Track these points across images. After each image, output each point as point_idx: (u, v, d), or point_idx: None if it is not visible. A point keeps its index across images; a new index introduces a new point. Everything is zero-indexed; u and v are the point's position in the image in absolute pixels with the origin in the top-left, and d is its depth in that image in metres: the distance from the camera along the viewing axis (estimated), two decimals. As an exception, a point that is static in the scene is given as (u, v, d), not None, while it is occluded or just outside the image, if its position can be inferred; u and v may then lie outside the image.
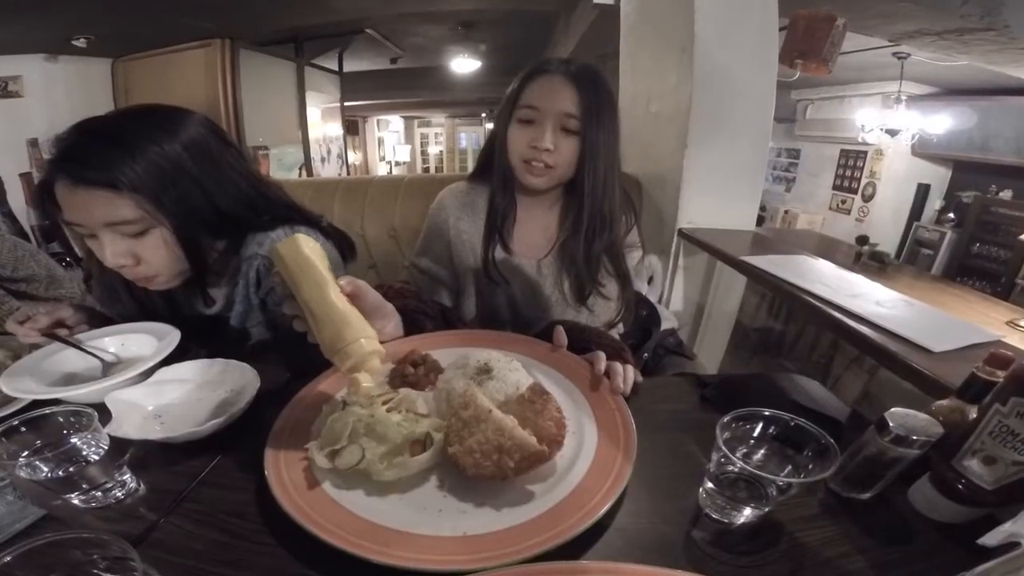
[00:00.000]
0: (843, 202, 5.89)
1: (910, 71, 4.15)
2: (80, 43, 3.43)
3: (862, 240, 4.85)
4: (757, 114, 1.45)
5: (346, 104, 5.76)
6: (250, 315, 0.85)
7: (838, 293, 0.85)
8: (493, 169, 1.00)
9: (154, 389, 0.69)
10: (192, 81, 3.76)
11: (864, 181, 5.58)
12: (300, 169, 4.79)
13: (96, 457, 0.53)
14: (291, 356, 0.83)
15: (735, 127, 1.43)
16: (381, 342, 0.72)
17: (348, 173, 6.11)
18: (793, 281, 0.93)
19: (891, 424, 0.53)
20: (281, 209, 0.85)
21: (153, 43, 3.72)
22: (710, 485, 0.53)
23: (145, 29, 3.45)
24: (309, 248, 0.56)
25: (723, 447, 0.49)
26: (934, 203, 5.24)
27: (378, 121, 10.37)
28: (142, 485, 0.56)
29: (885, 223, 5.41)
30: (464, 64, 5.16)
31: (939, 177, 5.20)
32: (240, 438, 0.62)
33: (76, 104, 3.63)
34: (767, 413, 0.53)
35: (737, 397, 0.72)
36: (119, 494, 0.54)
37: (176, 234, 0.73)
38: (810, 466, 0.51)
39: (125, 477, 0.55)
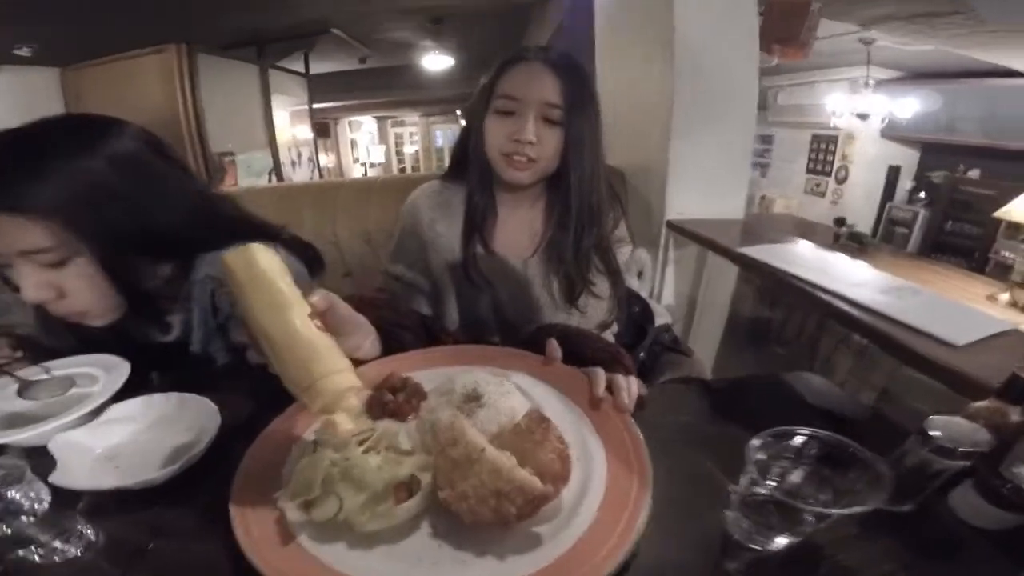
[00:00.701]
0: (817, 185, 5.98)
1: (876, 56, 4.21)
2: (24, 52, 3.23)
3: (840, 222, 4.92)
4: (741, 100, 1.41)
5: (315, 106, 5.63)
6: (212, 341, 0.76)
7: (842, 282, 0.81)
8: (469, 165, 0.93)
9: (104, 429, 0.61)
10: (148, 88, 3.57)
11: (837, 164, 5.67)
12: (270, 174, 4.65)
13: (40, 510, 0.46)
14: (261, 382, 0.75)
15: (720, 114, 1.39)
16: (358, 362, 0.65)
17: (320, 176, 5.95)
18: (797, 273, 0.88)
19: (934, 434, 0.48)
20: (234, 225, 0.77)
21: (103, 50, 3.52)
22: (737, 510, 0.47)
23: (93, 36, 3.26)
24: (266, 260, 0.47)
25: (754, 472, 0.44)
26: (905, 184, 5.34)
27: (350, 123, 10.16)
28: (101, 536, 0.49)
29: (859, 204, 5.50)
30: (436, 61, 5.05)
31: (908, 158, 5.30)
32: (204, 479, 0.55)
33: (23, 117, 3.37)
34: (804, 431, 0.47)
35: (748, 403, 0.68)
36: (76, 550, 0.47)
37: (101, 263, 0.64)
38: (855, 488, 0.46)
39: (80, 528, 0.48)
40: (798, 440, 0.47)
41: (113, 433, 0.61)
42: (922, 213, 5.03)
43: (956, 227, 4.79)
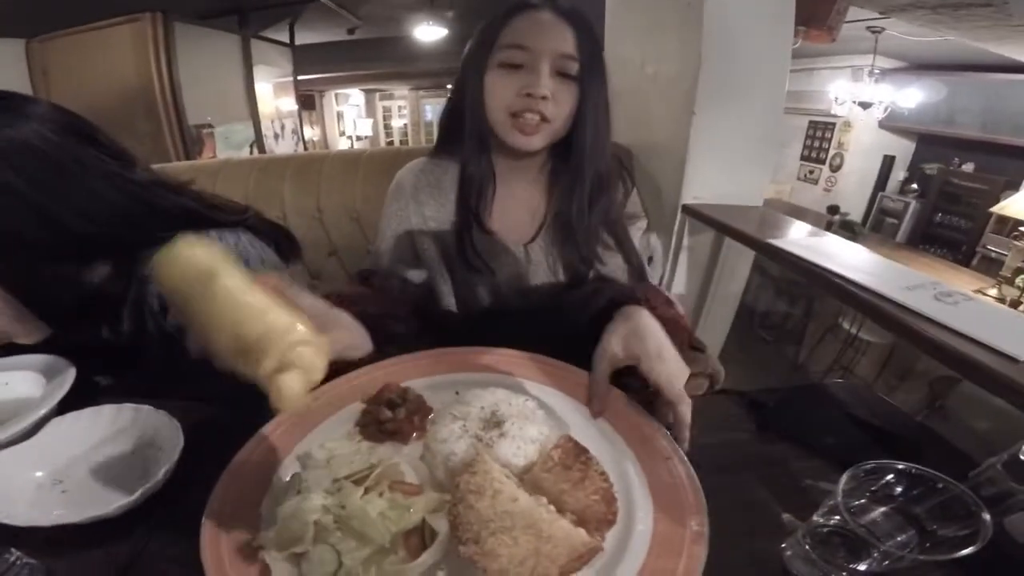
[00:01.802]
0: (811, 172, 5.97)
1: (882, 45, 4.14)
2: None
3: (833, 210, 4.92)
4: (771, 79, 1.30)
5: (300, 78, 5.40)
6: (171, 343, 0.66)
7: (892, 286, 0.74)
8: (464, 132, 0.81)
9: (46, 447, 0.52)
10: (120, 60, 3.33)
11: (832, 152, 5.65)
12: (251, 147, 4.45)
13: None
14: (229, 383, 0.65)
15: (748, 93, 1.28)
16: (349, 365, 0.55)
17: (305, 149, 5.74)
18: (843, 273, 0.80)
19: None
20: (179, 216, 0.65)
21: (72, 20, 3.25)
22: (799, 543, 0.42)
23: (60, 4, 3.00)
24: (202, 254, 0.37)
25: (841, 508, 0.37)
26: (898, 174, 5.35)
27: (336, 95, 9.82)
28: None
29: (851, 193, 5.50)
30: (428, 32, 4.83)
31: (903, 149, 5.29)
32: (170, 504, 0.47)
33: (-14, 93, 3.15)
34: (901, 466, 0.40)
35: (794, 418, 0.61)
36: None
37: None
38: (931, 528, 0.40)
39: (23, 568, 0.40)
40: (891, 475, 0.40)
41: (58, 452, 0.52)
42: (913, 204, 5.06)
43: (945, 219, 4.83)
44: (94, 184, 0.58)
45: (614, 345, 0.55)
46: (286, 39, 5.02)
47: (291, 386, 0.35)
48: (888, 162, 5.37)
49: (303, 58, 5.33)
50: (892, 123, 4.99)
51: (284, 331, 0.36)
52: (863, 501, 0.40)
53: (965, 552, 0.36)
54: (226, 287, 0.36)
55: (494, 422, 0.44)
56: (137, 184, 0.62)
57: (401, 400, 0.50)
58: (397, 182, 0.89)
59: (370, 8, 4.53)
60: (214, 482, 0.46)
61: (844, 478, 0.38)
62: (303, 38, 5.14)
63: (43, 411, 0.53)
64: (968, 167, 4.67)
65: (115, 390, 0.68)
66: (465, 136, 0.81)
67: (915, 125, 4.93)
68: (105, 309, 0.63)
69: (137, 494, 0.44)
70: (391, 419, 0.48)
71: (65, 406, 0.55)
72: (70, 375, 0.57)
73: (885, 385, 2.25)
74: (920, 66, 4.74)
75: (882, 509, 0.40)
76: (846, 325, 3.05)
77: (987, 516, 0.36)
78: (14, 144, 0.52)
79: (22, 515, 0.44)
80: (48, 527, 0.43)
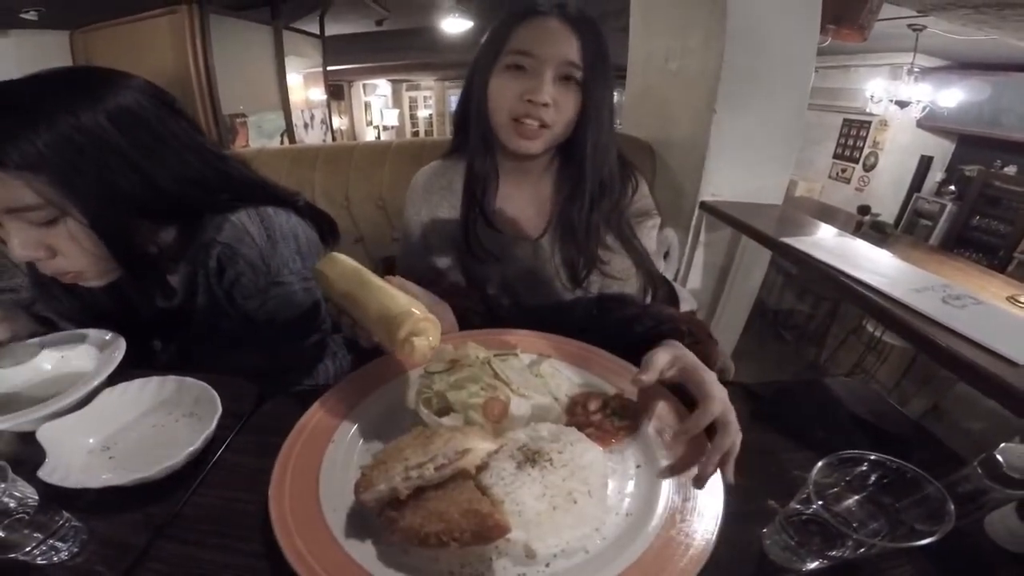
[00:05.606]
0: (843, 171, 5.81)
1: (923, 43, 4.00)
2: (30, 15, 3.07)
3: (864, 210, 4.76)
4: (795, 78, 1.29)
5: (329, 69, 5.48)
6: (217, 308, 0.72)
7: (901, 287, 0.75)
8: (469, 130, 0.85)
9: (97, 416, 0.57)
10: (158, 51, 3.46)
11: (867, 151, 5.48)
12: (282, 136, 4.56)
13: (25, 511, 0.42)
14: (265, 356, 0.72)
15: (771, 91, 1.28)
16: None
17: (333, 139, 5.84)
18: (852, 273, 0.81)
19: (1005, 464, 0.45)
20: (245, 188, 0.72)
21: (112, 12, 3.39)
22: (781, 530, 0.44)
23: None
24: (347, 260, 0.58)
25: (813, 494, 0.40)
26: (935, 175, 5.16)
27: (364, 85, 9.93)
28: (95, 536, 0.46)
29: (884, 193, 5.34)
30: (455, 24, 4.85)
31: (942, 150, 5.11)
32: (204, 472, 0.52)
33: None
34: (873, 456, 0.42)
35: (790, 411, 0.63)
36: (66, 553, 0.44)
37: (91, 225, 0.59)
38: (902, 517, 0.42)
39: (72, 528, 0.45)
40: (865, 465, 0.43)
41: (107, 420, 0.57)
42: (949, 207, 4.88)
43: (983, 223, 4.64)
44: (180, 148, 0.65)
45: (664, 357, 0.58)
46: (316, 30, 5.09)
47: (420, 346, 0.51)
48: (925, 163, 5.18)
49: (332, 49, 5.40)
50: (931, 123, 4.82)
51: (414, 311, 0.51)
52: (838, 489, 0.43)
53: (927, 541, 0.38)
54: (371, 280, 0.55)
55: (531, 458, 0.47)
56: (214, 154, 0.69)
57: (621, 409, 0.57)
58: (411, 186, 0.93)
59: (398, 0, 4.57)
60: (245, 448, 0.51)
61: (818, 466, 0.41)
62: (332, 29, 5.21)
63: (96, 383, 0.58)
64: (1010, 170, 4.49)
65: (159, 364, 0.75)
66: (471, 133, 0.84)
67: (955, 125, 4.76)
68: (160, 273, 0.70)
69: (180, 458, 0.49)
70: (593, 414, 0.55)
71: (115, 378, 0.60)
72: (121, 349, 0.62)
73: (902, 390, 2.21)
74: (963, 65, 4.57)
75: (856, 497, 0.43)
76: (870, 328, 2.98)
77: (951, 506, 0.38)
78: (121, 109, 0.59)
79: (75, 479, 0.48)
80: (96, 490, 0.47)
